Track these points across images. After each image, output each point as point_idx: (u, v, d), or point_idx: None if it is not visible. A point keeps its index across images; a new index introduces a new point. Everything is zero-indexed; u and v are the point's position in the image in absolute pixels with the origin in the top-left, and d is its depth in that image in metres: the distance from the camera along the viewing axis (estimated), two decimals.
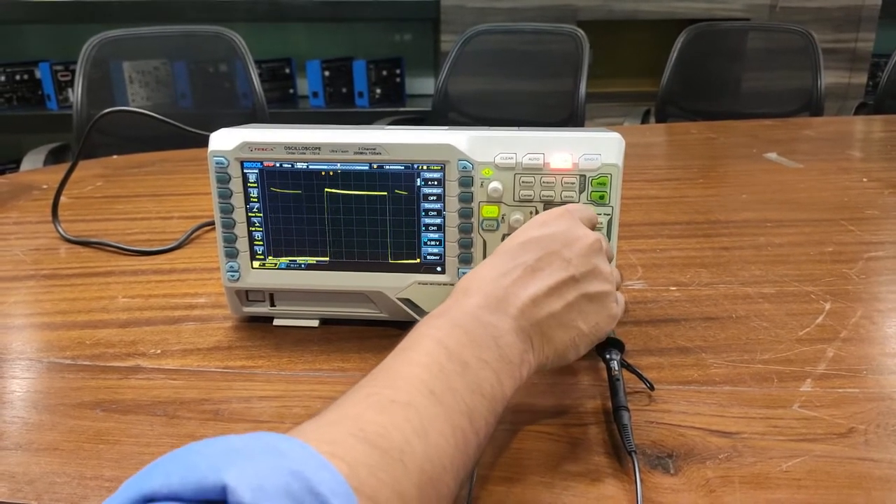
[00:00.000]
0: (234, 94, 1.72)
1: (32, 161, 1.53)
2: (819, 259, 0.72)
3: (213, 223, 0.85)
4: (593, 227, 0.47)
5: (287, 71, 2.71)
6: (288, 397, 0.49)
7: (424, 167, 0.52)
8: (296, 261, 0.56)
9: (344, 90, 2.65)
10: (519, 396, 0.47)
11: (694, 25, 2.01)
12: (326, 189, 0.53)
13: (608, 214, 0.51)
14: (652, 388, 0.48)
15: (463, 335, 0.37)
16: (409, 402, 0.32)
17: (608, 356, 0.48)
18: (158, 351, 0.55)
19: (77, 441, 0.44)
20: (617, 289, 0.46)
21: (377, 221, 0.54)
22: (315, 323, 0.59)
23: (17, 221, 0.90)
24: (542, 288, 0.40)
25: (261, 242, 0.55)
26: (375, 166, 0.53)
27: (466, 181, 0.52)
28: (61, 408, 0.48)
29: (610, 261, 0.46)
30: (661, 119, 2.00)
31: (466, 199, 0.52)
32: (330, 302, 0.58)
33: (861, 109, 2.30)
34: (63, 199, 0.85)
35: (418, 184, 0.53)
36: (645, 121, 2.08)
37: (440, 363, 0.35)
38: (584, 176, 0.51)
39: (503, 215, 0.52)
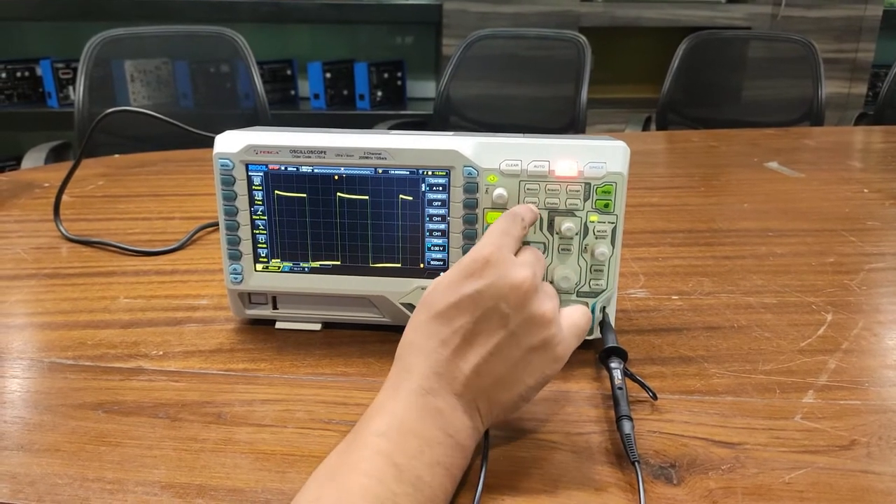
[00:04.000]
0: (236, 95, 1.72)
1: (34, 159, 1.53)
2: (820, 269, 0.72)
3: (215, 224, 0.85)
4: (523, 229, 0.45)
5: (288, 72, 2.71)
6: (290, 401, 0.49)
7: (429, 172, 0.52)
8: (299, 264, 0.56)
9: (345, 92, 2.65)
10: None
11: (695, 33, 2.01)
12: (334, 194, 0.53)
13: (612, 223, 0.51)
14: (655, 397, 0.48)
15: (413, 441, 0.37)
16: None
17: (611, 365, 0.48)
18: (160, 352, 0.55)
19: (79, 442, 0.44)
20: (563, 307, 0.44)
21: (381, 226, 0.54)
22: (317, 326, 0.59)
23: (19, 220, 0.90)
24: (483, 354, 0.39)
25: (264, 245, 0.55)
26: (380, 171, 0.53)
27: (471, 187, 0.52)
28: (63, 408, 0.48)
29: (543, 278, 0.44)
30: (661, 126, 2.01)
31: (471, 205, 0.52)
32: (332, 306, 0.57)
33: (861, 119, 2.31)
34: (64, 197, 0.84)
35: (423, 189, 0.53)
36: (646, 128, 2.08)
37: (393, 492, 0.34)
38: (589, 184, 0.51)
39: None
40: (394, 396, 0.39)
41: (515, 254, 0.43)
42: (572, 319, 0.42)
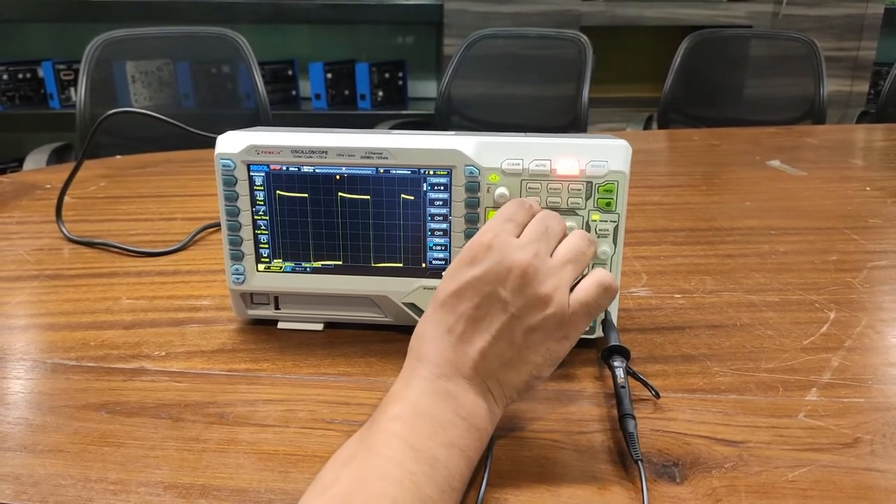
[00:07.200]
0: (237, 96, 1.73)
1: (35, 160, 1.53)
2: (823, 268, 0.72)
3: (216, 225, 0.85)
4: (531, 215, 0.44)
5: (289, 73, 2.71)
6: (293, 401, 0.49)
7: (431, 172, 0.52)
8: (301, 264, 0.56)
9: (346, 92, 2.65)
10: (524, 405, 0.48)
11: (697, 32, 2.01)
12: (335, 194, 0.53)
13: (614, 221, 0.51)
14: (657, 395, 0.48)
15: (427, 424, 0.37)
16: None
17: (613, 364, 0.48)
18: (163, 353, 0.55)
19: (82, 443, 0.44)
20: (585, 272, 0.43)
21: (383, 226, 0.54)
22: (319, 326, 0.59)
23: (21, 221, 0.90)
24: (488, 339, 0.40)
25: (266, 245, 0.55)
26: (382, 171, 0.53)
27: (473, 186, 0.52)
28: (66, 409, 0.48)
29: (564, 234, 0.43)
30: (663, 125, 2.00)
31: (473, 204, 0.52)
32: (334, 306, 0.57)
33: (863, 118, 2.30)
34: (66, 199, 0.85)
35: (425, 188, 0.53)
36: (647, 127, 2.08)
37: (410, 471, 0.35)
38: (591, 183, 0.51)
39: None
40: (407, 385, 0.40)
41: (519, 235, 0.43)
42: (579, 297, 0.41)
